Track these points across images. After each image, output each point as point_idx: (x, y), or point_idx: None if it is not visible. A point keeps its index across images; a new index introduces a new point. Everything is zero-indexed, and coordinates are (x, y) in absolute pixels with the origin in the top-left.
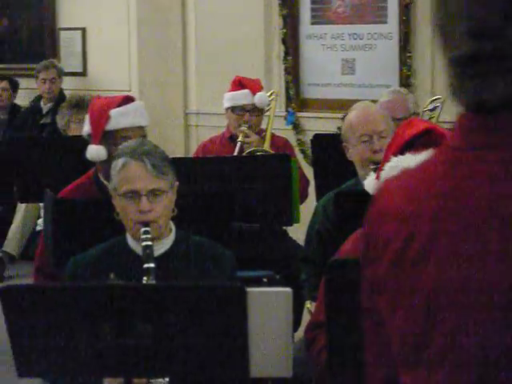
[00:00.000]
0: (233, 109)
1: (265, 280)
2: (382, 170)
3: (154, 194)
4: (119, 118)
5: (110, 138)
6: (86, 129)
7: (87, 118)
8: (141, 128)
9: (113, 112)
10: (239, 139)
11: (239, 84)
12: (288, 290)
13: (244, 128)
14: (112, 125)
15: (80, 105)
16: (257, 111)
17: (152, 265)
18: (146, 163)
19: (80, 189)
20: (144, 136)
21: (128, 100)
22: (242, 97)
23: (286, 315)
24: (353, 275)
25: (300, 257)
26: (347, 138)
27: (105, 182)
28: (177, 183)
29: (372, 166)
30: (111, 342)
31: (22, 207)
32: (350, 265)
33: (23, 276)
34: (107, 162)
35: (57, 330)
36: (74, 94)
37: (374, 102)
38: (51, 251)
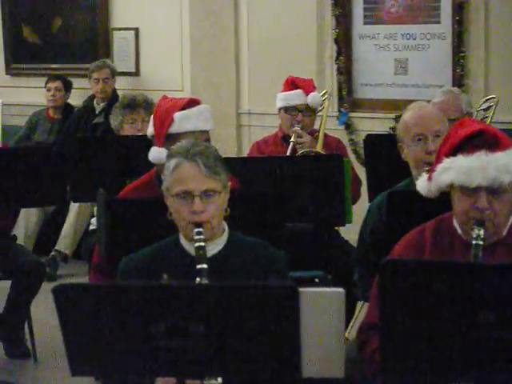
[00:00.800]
0: (286, 109)
1: (317, 280)
2: (434, 171)
3: (206, 194)
4: (182, 122)
5: (172, 141)
6: (150, 130)
7: (152, 119)
8: (204, 132)
9: (176, 115)
10: (292, 139)
11: (292, 84)
12: (340, 290)
13: (297, 128)
14: (175, 128)
15: (132, 105)
16: (310, 111)
17: (205, 266)
18: (199, 163)
19: (142, 188)
20: (207, 140)
21: (193, 103)
22: (295, 97)
23: (339, 315)
24: (406, 275)
25: (354, 257)
26: (402, 138)
27: None
28: (230, 183)
29: (426, 168)
30: (164, 342)
31: (75, 206)
32: (403, 265)
33: (76, 275)
34: None
35: (110, 329)
36: (126, 94)
37: (427, 102)
38: (104, 250)
